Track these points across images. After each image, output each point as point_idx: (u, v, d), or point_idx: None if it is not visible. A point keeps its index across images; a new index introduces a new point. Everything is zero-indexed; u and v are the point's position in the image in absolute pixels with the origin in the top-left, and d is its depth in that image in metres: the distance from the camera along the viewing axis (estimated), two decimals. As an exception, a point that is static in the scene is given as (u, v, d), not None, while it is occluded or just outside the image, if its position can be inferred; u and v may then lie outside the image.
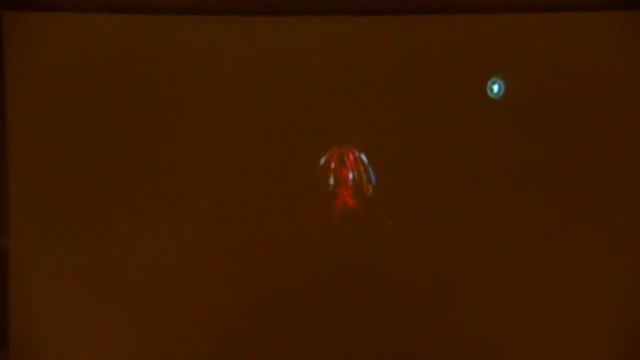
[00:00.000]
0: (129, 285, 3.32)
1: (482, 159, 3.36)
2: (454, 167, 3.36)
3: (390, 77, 3.37)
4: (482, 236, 3.34)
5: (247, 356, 3.36)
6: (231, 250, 3.36)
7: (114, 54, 3.31)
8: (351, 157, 3.40)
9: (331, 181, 3.40)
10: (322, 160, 3.38)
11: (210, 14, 3.36)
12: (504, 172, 3.36)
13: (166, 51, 3.33)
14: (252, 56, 3.35)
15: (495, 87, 3.35)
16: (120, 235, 3.33)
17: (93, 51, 3.30)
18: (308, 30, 3.39)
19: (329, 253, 3.36)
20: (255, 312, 3.35)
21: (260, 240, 3.35)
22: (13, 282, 3.29)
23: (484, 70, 3.35)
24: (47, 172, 3.32)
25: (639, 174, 3.32)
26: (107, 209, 3.32)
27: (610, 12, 3.32)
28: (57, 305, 3.29)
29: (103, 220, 3.32)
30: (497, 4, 3.38)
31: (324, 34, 3.37)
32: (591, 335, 3.31)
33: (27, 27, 3.30)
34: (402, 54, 3.37)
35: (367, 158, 3.39)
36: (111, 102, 3.32)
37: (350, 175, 3.39)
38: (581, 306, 3.31)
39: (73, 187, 3.32)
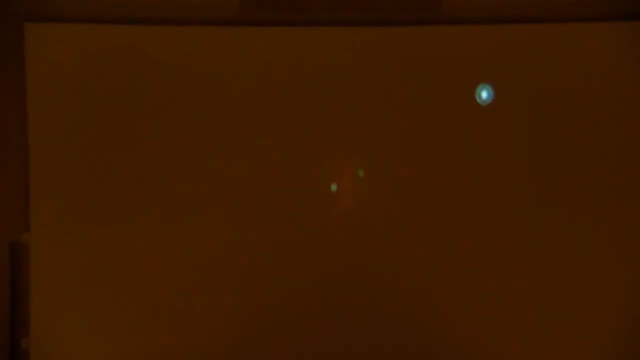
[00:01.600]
0: (144, 282, 3.37)
1: (481, 165, 3.41)
2: (450, 171, 3.41)
3: (388, 86, 3.41)
4: (480, 237, 3.39)
5: (248, 354, 3.40)
6: (241, 251, 3.41)
7: (130, 63, 3.38)
8: (349, 162, 3.44)
9: (331, 185, 3.43)
10: (322, 165, 3.44)
11: (221, 25, 3.44)
12: (502, 176, 3.41)
13: (180, 60, 3.40)
14: (257, 66, 3.44)
15: (484, 94, 3.38)
16: (134, 232, 3.38)
17: (111, 60, 3.37)
18: (303, 42, 3.44)
19: (329, 254, 3.40)
20: (257, 311, 3.40)
21: (261, 242, 3.41)
22: (34, 275, 3.33)
23: (484, 82, 3.38)
24: (66, 172, 3.37)
25: (634, 179, 3.36)
26: (124, 207, 3.38)
27: (607, 23, 3.36)
28: (74, 297, 3.33)
29: (121, 217, 3.37)
30: (494, 16, 3.42)
31: (319, 45, 3.43)
32: (591, 335, 3.32)
33: (48, 37, 3.37)
34: (400, 65, 3.42)
35: (365, 163, 3.44)
36: (127, 107, 3.39)
37: (348, 180, 3.42)
38: (581, 306, 3.33)
39: (91, 186, 3.36)
